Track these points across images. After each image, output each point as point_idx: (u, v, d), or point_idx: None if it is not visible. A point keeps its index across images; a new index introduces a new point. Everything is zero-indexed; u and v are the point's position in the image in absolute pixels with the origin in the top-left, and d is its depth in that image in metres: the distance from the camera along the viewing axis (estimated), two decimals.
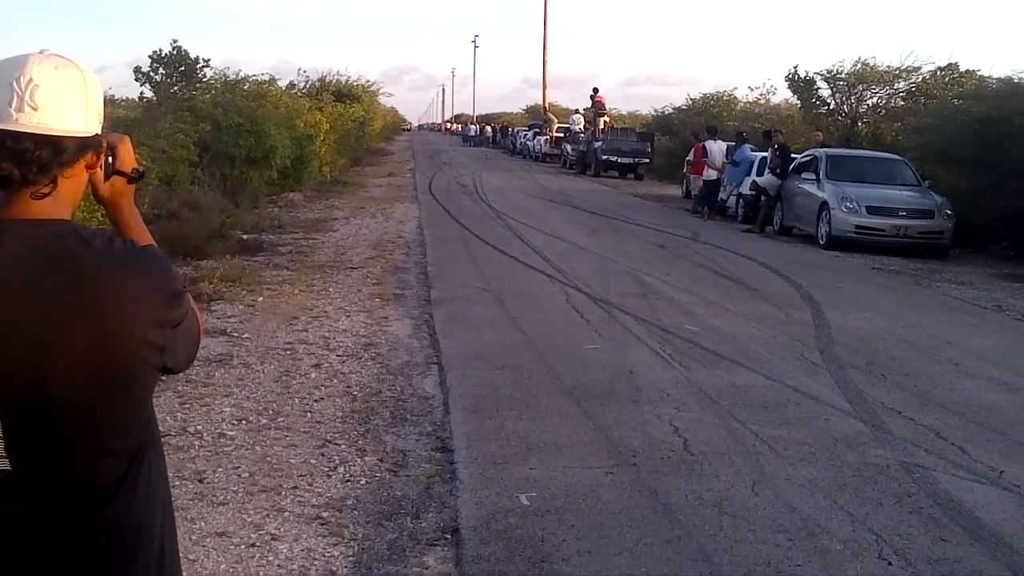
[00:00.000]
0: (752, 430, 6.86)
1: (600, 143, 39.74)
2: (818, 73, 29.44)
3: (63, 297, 1.85)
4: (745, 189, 22.85)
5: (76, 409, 1.88)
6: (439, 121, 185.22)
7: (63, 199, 1.93)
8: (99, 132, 1.99)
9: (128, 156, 2.11)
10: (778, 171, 21.08)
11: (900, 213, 18.20)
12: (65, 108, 1.89)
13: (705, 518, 5.37)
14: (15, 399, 1.74)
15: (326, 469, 5.90)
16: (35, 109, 1.84)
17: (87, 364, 1.86)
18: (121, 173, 2.10)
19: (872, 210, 18.18)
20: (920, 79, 27.57)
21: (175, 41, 19.49)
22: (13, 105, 1.83)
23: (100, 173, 2.05)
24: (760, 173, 22.13)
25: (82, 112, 1.92)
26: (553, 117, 55.91)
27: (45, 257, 1.86)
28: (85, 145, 1.95)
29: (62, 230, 1.90)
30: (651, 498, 5.62)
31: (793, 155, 21.67)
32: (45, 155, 1.86)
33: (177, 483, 5.53)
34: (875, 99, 28.90)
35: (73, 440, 1.90)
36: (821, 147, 21.48)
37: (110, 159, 2.06)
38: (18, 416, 1.76)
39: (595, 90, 44.08)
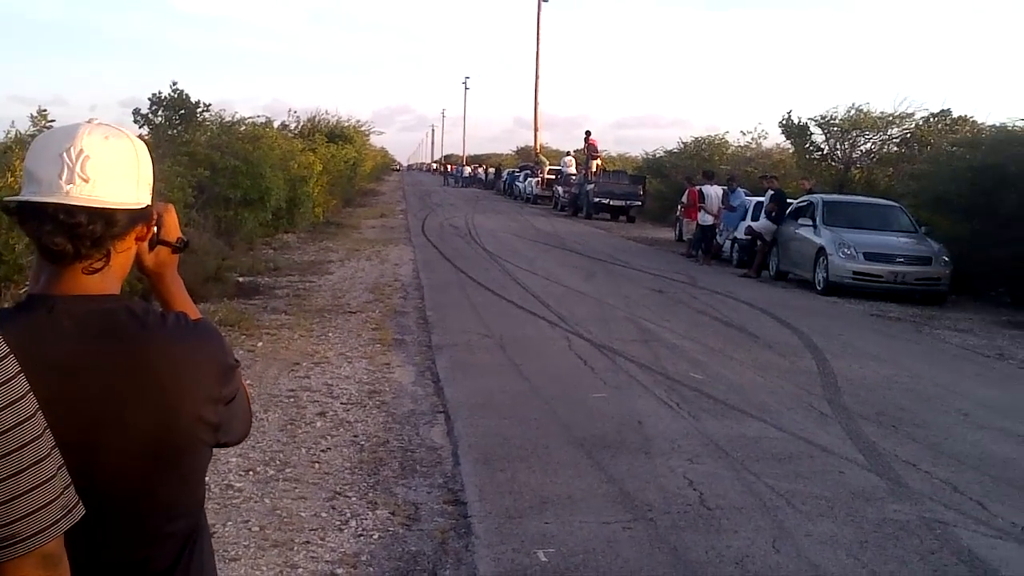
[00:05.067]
0: (768, 483, 6.75)
1: (592, 185, 39.82)
2: (812, 119, 29.65)
3: (116, 376, 1.78)
4: (740, 234, 22.87)
5: (130, 490, 1.82)
6: (428, 161, 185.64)
7: (113, 273, 1.88)
8: (150, 203, 1.92)
9: (173, 225, 2.04)
10: (774, 216, 21.09)
11: (898, 259, 18.21)
12: (117, 179, 1.83)
13: None
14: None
15: (338, 523, 5.77)
16: (86, 181, 1.78)
17: (141, 444, 1.80)
18: (165, 243, 2.03)
19: (870, 256, 18.19)
20: (914, 125, 27.75)
21: (175, 84, 19.52)
22: (64, 177, 1.77)
23: (144, 244, 1.98)
24: (755, 218, 22.15)
25: (134, 183, 1.87)
26: (544, 159, 56.07)
27: (98, 335, 1.80)
28: (136, 217, 1.89)
29: (114, 306, 1.84)
30: (672, 555, 5.50)
31: (788, 200, 21.71)
32: (98, 229, 1.80)
33: None
34: (869, 145, 29.07)
35: (127, 523, 1.83)
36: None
37: (155, 229, 2.00)
38: None
39: (588, 133, 44.24)
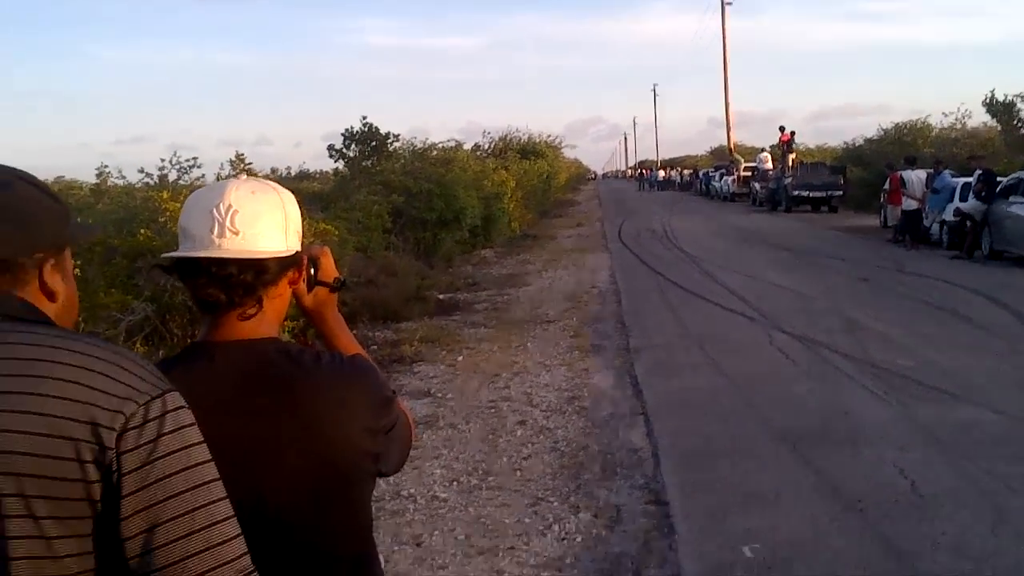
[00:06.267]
0: (983, 467, 6.45)
1: (790, 179, 38.95)
2: (1018, 95, 28.25)
3: (275, 416, 1.86)
4: (948, 216, 21.94)
5: (295, 525, 1.88)
6: (623, 168, 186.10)
7: (269, 318, 1.96)
8: (299, 249, 2.01)
9: (329, 266, 2.13)
10: (983, 195, 20.14)
11: None
12: (265, 230, 1.91)
13: (944, 564, 5.06)
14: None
15: (541, 528, 5.82)
16: (236, 234, 1.87)
17: (303, 481, 1.87)
18: (323, 283, 2.12)
19: None
20: None
21: (365, 118, 20.17)
22: (215, 232, 1.87)
23: (303, 285, 2.07)
24: (963, 199, 21.19)
25: (281, 232, 1.95)
26: (739, 157, 55.24)
27: (255, 377, 1.88)
28: (287, 264, 1.97)
29: (269, 349, 1.92)
30: (883, 545, 5.32)
31: (998, 179, 20.68)
32: (249, 278, 1.89)
33: (396, 548, 5.56)
34: None
35: (295, 557, 1.89)
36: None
37: (312, 271, 2.09)
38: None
39: (781, 128, 43.54)
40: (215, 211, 1.88)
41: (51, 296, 1.70)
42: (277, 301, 1.98)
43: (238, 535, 1.59)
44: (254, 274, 1.89)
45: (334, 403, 1.89)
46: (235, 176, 1.98)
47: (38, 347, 1.55)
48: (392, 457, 2.04)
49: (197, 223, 1.89)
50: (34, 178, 1.72)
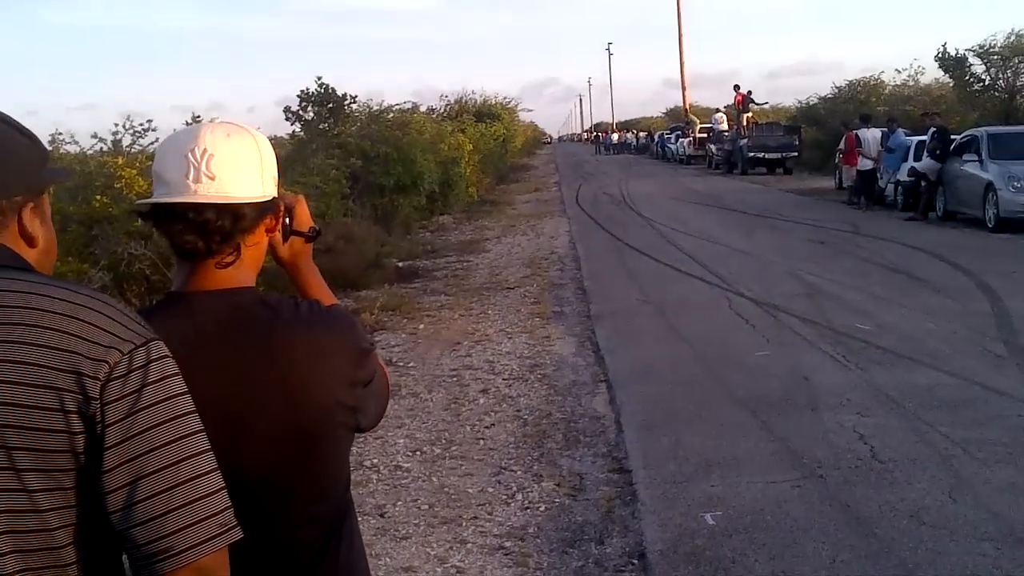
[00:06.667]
0: (942, 432, 6.54)
1: (746, 140, 39.05)
2: (970, 49, 28.44)
3: (254, 367, 1.83)
4: (903, 176, 22.08)
5: (274, 478, 1.86)
6: (579, 131, 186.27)
7: (246, 266, 1.92)
8: (276, 195, 1.97)
9: (304, 215, 2.10)
10: (937, 153, 20.26)
11: None
12: (241, 175, 1.87)
13: (902, 529, 5.12)
14: None
15: (504, 497, 5.84)
16: (212, 179, 1.83)
17: (281, 432, 1.84)
18: (299, 233, 2.09)
19: None
20: None
21: (320, 79, 19.92)
22: (191, 177, 1.82)
23: (278, 235, 2.03)
24: (918, 158, 21.34)
25: (258, 177, 1.91)
26: (695, 118, 55.30)
27: (233, 328, 1.85)
28: (264, 210, 1.93)
29: (247, 299, 1.89)
30: (843, 511, 5.39)
31: (952, 136, 20.80)
32: (227, 224, 1.84)
33: (360, 519, 5.53)
34: None
35: (273, 509, 1.87)
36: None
37: (287, 220, 2.05)
38: None
39: (736, 87, 43.47)
40: (190, 155, 1.83)
41: (31, 241, 1.67)
42: (254, 249, 1.94)
43: (221, 488, 1.57)
44: (231, 220, 1.85)
45: (312, 353, 1.86)
46: (208, 121, 1.94)
47: (19, 294, 1.52)
48: (370, 411, 2.02)
49: (172, 168, 1.84)
50: (8, 117, 1.67)
